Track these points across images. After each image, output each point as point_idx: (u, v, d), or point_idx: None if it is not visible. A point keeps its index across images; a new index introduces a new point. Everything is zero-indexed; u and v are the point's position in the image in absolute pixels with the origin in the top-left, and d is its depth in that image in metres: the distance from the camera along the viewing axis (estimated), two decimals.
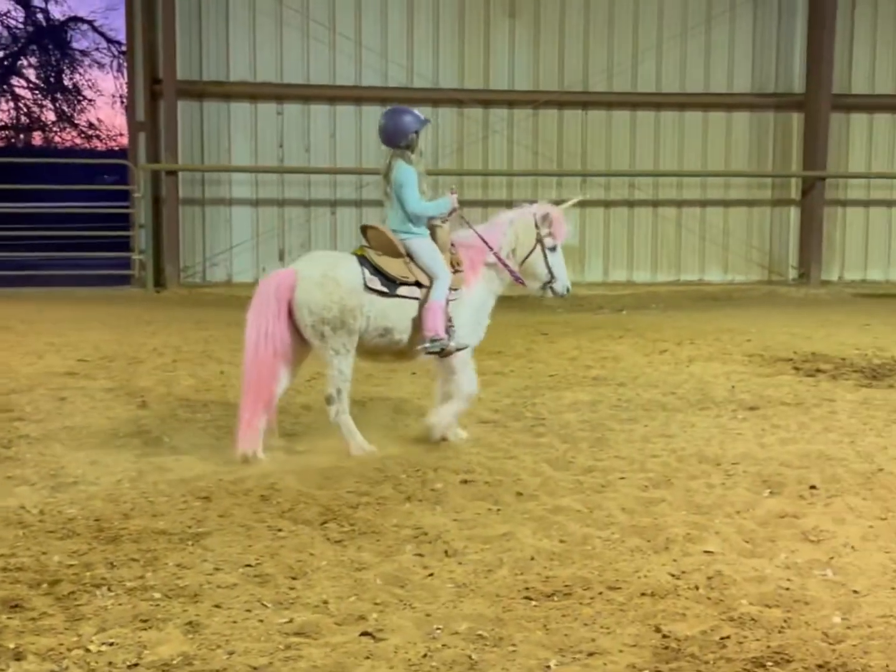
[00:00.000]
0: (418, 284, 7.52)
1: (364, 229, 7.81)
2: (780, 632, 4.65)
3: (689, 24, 18.19)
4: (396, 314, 7.49)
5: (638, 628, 4.66)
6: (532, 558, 5.45)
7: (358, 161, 17.88)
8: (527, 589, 5.06)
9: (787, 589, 5.11)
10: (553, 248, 7.95)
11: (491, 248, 7.79)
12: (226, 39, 17.76)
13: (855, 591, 5.11)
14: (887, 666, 4.33)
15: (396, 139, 7.63)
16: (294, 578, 5.15)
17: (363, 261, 7.47)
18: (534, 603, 4.92)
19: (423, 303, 7.49)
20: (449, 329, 7.54)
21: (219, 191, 18.03)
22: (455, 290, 7.65)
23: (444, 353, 7.55)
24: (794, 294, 17.84)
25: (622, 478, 6.96)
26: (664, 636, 4.57)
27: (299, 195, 18.04)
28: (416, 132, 7.64)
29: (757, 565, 5.44)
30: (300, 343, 7.38)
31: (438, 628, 4.62)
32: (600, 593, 5.04)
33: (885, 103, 18.90)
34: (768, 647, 4.47)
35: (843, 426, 8.47)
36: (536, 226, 7.91)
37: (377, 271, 7.44)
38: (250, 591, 4.97)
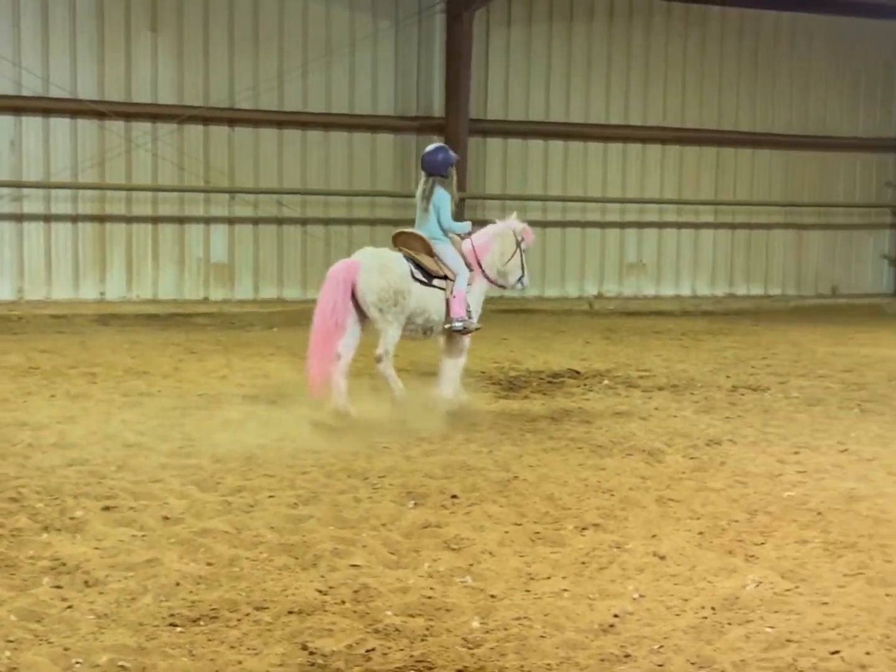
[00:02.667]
0: (445, 278, 9.73)
1: (399, 234, 9.95)
2: (422, 640, 4.80)
3: (334, 45, 18.47)
4: (431, 300, 9.69)
5: (285, 647, 4.67)
6: (178, 583, 5.34)
7: None
8: (172, 615, 4.95)
9: (430, 597, 5.28)
10: (524, 252, 10.39)
11: (480, 265, 10.07)
12: None
13: (492, 596, 5.35)
14: (522, 666, 4.57)
15: (438, 170, 9.89)
16: None
17: (407, 257, 9.61)
18: (179, 629, 4.82)
19: (448, 292, 9.72)
20: (469, 312, 9.87)
21: None
22: (469, 284, 9.88)
23: (465, 331, 9.88)
24: None
25: (271, 496, 6.95)
26: (311, 653, 4.61)
27: None
28: (453, 165, 10.03)
29: (401, 576, 5.59)
30: (357, 319, 9.41)
31: (78, 662, 4.44)
32: (247, 614, 5.01)
33: (517, 129, 19.97)
34: (411, 656, 4.60)
35: (483, 436, 8.86)
36: (515, 236, 10.31)
37: (418, 266, 9.61)
38: None
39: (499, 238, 10.33)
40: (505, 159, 20.02)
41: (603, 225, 20.81)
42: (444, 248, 9.84)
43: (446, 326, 9.81)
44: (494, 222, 10.69)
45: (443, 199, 9.82)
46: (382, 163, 19.18)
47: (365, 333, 9.62)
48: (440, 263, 9.77)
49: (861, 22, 21.83)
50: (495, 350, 13.93)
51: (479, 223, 19.54)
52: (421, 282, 9.62)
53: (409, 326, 9.65)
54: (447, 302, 9.75)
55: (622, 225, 20.97)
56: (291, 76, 18.28)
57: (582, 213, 20.63)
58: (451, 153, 10.14)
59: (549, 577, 5.64)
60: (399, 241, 9.89)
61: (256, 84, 18.11)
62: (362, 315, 9.45)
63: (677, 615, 5.18)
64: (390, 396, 9.58)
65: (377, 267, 9.41)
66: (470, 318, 9.87)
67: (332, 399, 9.23)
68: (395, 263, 9.53)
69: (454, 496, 7.03)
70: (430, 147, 10.29)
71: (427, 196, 9.86)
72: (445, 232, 9.87)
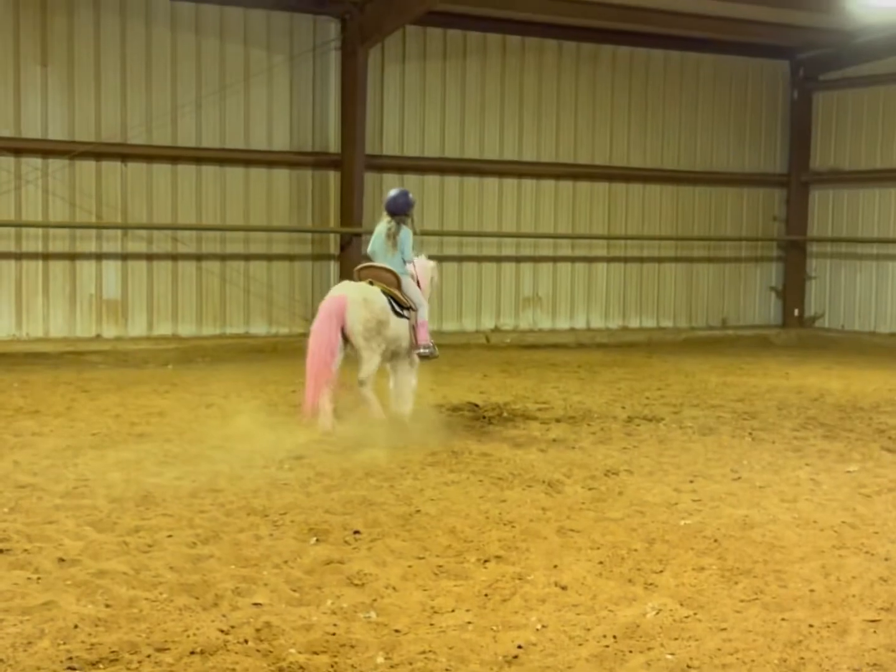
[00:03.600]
0: (409, 308, 10.74)
1: (363, 268, 10.97)
2: None
3: (228, 81, 18.40)
4: (403, 328, 10.72)
5: None
6: (76, 626, 5.23)
7: None
8: (70, 658, 4.85)
9: (334, 634, 5.26)
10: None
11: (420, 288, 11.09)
12: None
13: (397, 630, 5.35)
14: None
15: (402, 210, 10.95)
16: None
17: (384, 290, 10.58)
18: None
19: (413, 321, 10.79)
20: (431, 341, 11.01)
21: None
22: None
23: (430, 356, 10.97)
24: None
25: (170, 535, 6.86)
26: None
27: None
28: (412, 207, 11.04)
29: (304, 613, 5.55)
30: (342, 346, 10.41)
31: None
32: (148, 656, 4.93)
33: (414, 164, 20.08)
34: None
35: (383, 471, 8.85)
36: (433, 271, 11.67)
37: (392, 298, 10.60)
38: None
39: (429, 272, 11.58)
40: None
41: (499, 259, 21.02)
42: (408, 282, 10.90)
43: (417, 352, 10.94)
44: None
45: (407, 236, 10.93)
46: (278, 198, 19.13)
47: (345, 360, 10.59)
48: (405, 296, 10.80)
49: (747, 60, 22.54)
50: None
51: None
52: (396, 313, 10.67)
53: (384, 350, 10.66)
54: (412, 329, 10.86)
55: (518, 259, 21.20)
56: (185, 111, 18.16)
57: (478, 247, 20.82)
58: (412, 196, 11.20)
59: (452, 610, 5.66)
60: (369, 275, 10.87)
61: (149, 119, 17.93)
62: (346, 343, 10.48)
63: (580, 644, 5.24)
64: (369, 415, 10.53)
65: (362, 300, 10.40)
66: (432, 344, 11.08)
67: (320, 421, 10.22)
68: (376, 297, 10.53)
69: (356, 531, 7.02)
70: (393, 192, 11.29)
71: (393, 234, 10.92)
72: (407, 266, 10.95)
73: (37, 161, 17.32)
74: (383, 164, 19.70)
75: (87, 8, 17.47)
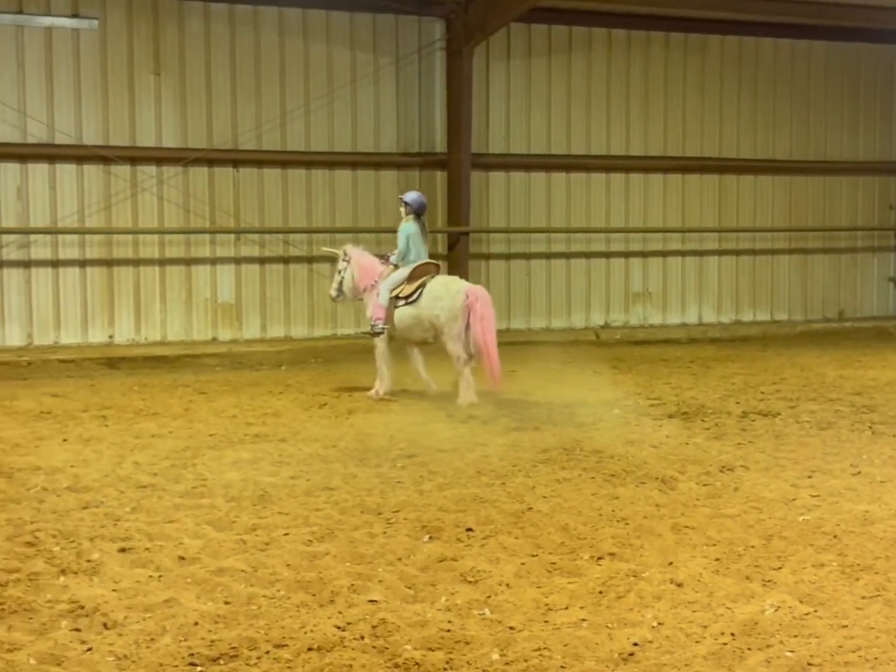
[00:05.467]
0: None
1: (426, 265, 12.78)
2: None
3: (335, 84, 18.61)
4: None
5: None
6: (196, 623, 5.34)
7: None
8: (191, 655, 4.95)
9: (449, 631, 5.28)
10: None
11: None
12: None
13: (511, 628, 5.35)
14: None
15: (424, 209, 13.08)
16: None
17: None
18: (199, 668, 4.83)
19: None
20: None
21: None
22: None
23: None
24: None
25: (286, 534, 6.96)
26: None
27: None
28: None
29: (419, 610, 5.58)
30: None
31: None
32: (267, 652, 5.01)
33: (520, 162, 20.07)
34: None
35: (495, 469, 8.86)
36: None
37: None
38: None
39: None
40: (508, 193, 20.11)
41: (607, 255, 20.86)
42: None
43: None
44: (388, 257, 13.19)
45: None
46: (386, 199, 19.26)
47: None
48: None
49: (859, 46, 21.98)
50: (504, 382, 13.95)
51: (483, 257, 19.83)
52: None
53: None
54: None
55: (627, 254, 21.01)
56: (294, 115, 18.42)
57: (586, 243, 20.68)
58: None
59: (566, 608, 5.64)
60: (431, 270, 12.76)
61: (259, 124, 18.24)
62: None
63: (697, 642, 5.18)
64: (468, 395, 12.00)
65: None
66: None
67: (468, 394, 11.95)
68: None
69: (469, 529, 7.03)
70: (414, 193, 13.20)
71: (426, 231, 12.97)
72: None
73: (151, 169, 17.74)
74: (489, 163, 19.71)
75: (197, 17, 17.83)
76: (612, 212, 20.81)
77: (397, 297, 12.62)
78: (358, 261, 13.23)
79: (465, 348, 12.10)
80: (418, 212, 12.93)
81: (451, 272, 19.38)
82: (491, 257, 19.97)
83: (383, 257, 13.30)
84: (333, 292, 13.46)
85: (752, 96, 21.56)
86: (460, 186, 18.97)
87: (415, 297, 12.48)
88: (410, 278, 12.66)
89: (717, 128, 21.39)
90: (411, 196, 13.10)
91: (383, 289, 12.67)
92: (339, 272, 13.36)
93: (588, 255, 20.70)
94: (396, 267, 12.86)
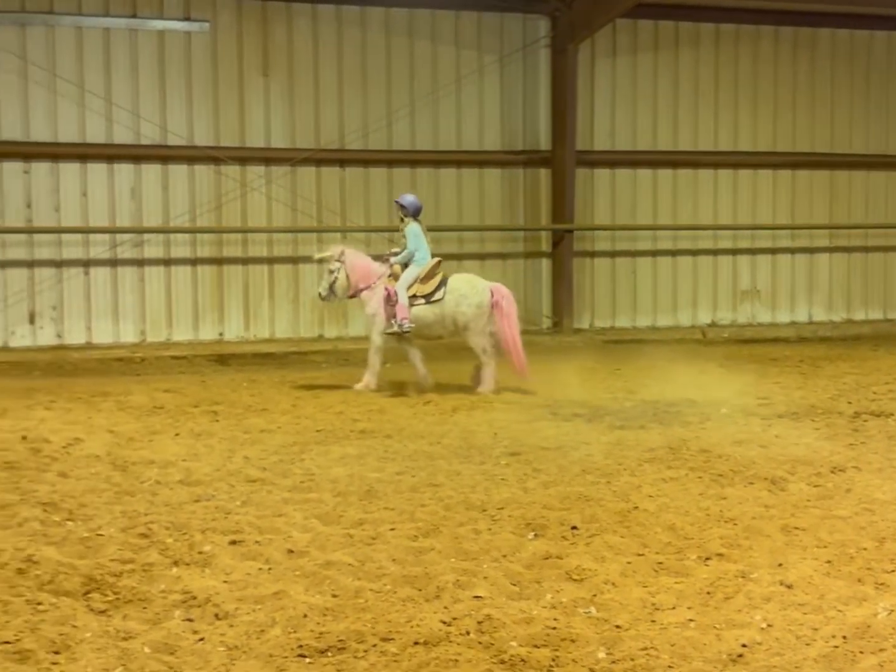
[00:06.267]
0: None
1: (439, 262, 13.17)
2: (549, 670, 4.79)
3: (440, 83, 18.71)
4: None
5: None
6: (305, 615, 5.41)
7: (111, 220, 17.43)
8: (300, 647, 5.02)
9: (554, 628, 5.27)
10: None
11: None
12: None
13: (617, 626, 5.32)
14: None
15: (420, 212, 13.25)
16: (56, 653, 4.94)
17: None
18: (308, 660, 4.90)
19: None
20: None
21: None
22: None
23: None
24: (548, 342, 18.45)
25: (392, 529, 7.01)
26: None
27: (50, 255, 17.41)
28: None
29: (524, 607, 5.58)
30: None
31: None
32: (374, 645, 5.06)
33: (625, 159, 19.94)
34: None
35: (600, 467, 8.81)
36: None
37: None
38: (10, 669, 4.74)
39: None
40: (613, 189, 19.99)
41: (715, 252, 20.60)
42: None
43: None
44: (388, 257, 13.37)
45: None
46: (490, 197, 19.30)
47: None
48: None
49: None
50: (609, 380, 13.87)
51: (588, 255, 19.72)
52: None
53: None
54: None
55: (734, 252, 20.73)
56: (399, 115, 18.55)
57: (693, 240, 20.45)
58: None
59: (674, 608, 5.59)
60: (440, 269, 13.12)
61: (366, 124, 18.42)
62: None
63: (807, 644, 5.09)
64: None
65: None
66: None
67: (492, 382, 12.74)
68: None
69: (574, 527, 7.01)
70: (410, 196, 13.42)
71: (426, 231, 13.24)
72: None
73: (260, 169, 18.05)
74: (594, 160, 19.62)
75: (305, 17, 18.08)
76: (720, 208, 20.56)
77: (414, 297, 12.90)
78: (352, 262, 13.34)
79: (490, 343, 12.80)
80: (415, 214, 13.17)
81: (554, 270, 19.40)
82: (596, 255, 19.88)
83: (382, 258, 13.47)
84: (323, 292, 13.51)
85: (864, 90, 21.11)
86: (565, 184, 18.91)
87: (438, 296, 12.89)
88: (424, 277, 12.97)
89: (829, 122, 20.98)
90: (408, 199, 13.28)
91: (400, 289, 12.85)
92: (332, 272, 13.35)
93: (695, 252, 20.47)
94: (404, 267, 13.06)
